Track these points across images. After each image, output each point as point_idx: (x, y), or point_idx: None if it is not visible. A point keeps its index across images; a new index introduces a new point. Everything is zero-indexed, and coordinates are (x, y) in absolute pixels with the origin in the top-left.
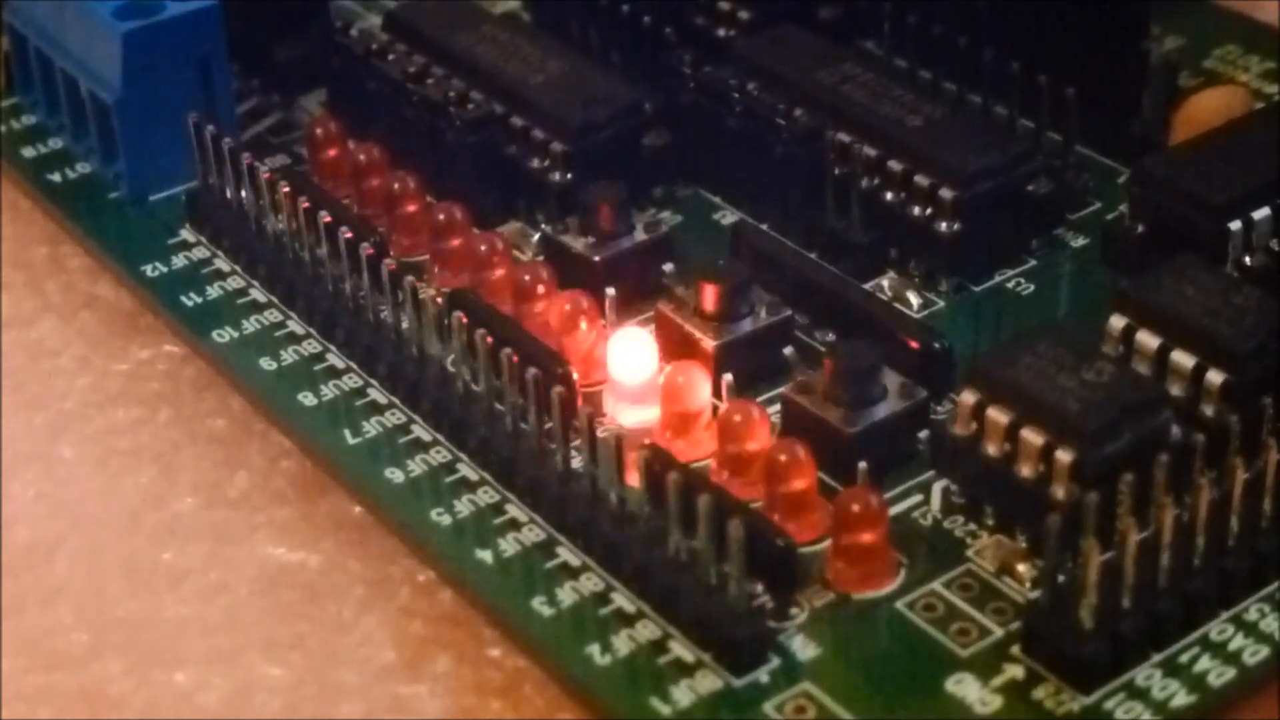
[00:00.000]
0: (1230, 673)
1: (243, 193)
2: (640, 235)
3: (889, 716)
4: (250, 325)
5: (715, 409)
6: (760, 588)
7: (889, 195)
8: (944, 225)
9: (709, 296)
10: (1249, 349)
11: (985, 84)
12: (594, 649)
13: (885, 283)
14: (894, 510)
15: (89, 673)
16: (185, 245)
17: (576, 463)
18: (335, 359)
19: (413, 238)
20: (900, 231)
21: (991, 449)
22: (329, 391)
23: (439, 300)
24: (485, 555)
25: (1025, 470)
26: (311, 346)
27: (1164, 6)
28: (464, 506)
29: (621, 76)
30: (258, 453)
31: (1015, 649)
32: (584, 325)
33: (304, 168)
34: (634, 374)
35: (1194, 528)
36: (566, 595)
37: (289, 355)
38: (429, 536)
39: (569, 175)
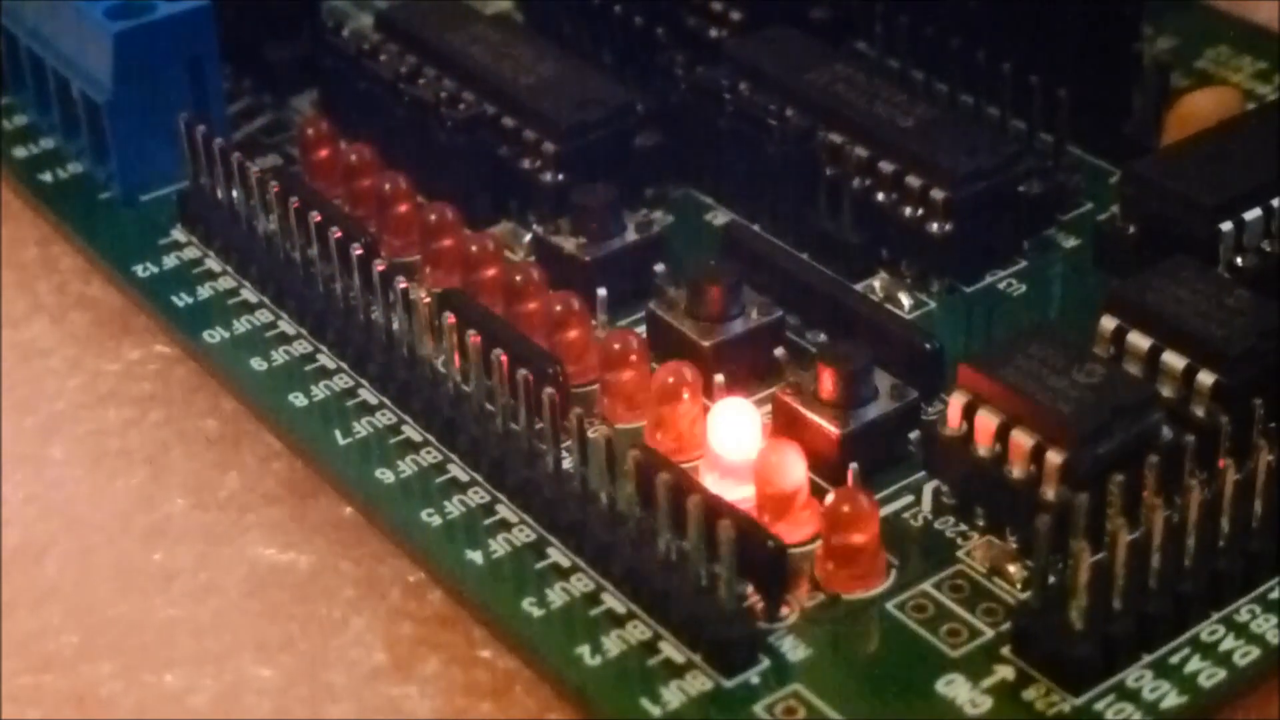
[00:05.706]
0: (1221, 674)
1: (234, 193)
2: (632, 236)
3: (879, 717)
4: (241, 326)
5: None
6: (750, 589)
7: (880, 196)
8: (935, 226)
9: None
10: (1240, 350)
11: (977, 85)
12: (584, 650)
13: (877, 283)
14: (885, 511)
15: (79, 674)
16: (176, 245)
17: (567, 463)
18: (326, 359)
19: (404, 238)
20: (892, 232)
21: (982, 450)
22: (320, 392)
23: (429, 301)
24: (476, 556)
25: (1016, 471)
26: (302, 347)
27: (1156, 7)
28: (454, 507)
29: (613, 77)
30: (248, 453)
31: (1006, 650)
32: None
33: (295, 168)
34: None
35: (1184, 529)
36: (557, 596)
37: (280, 356)
38: (419, 537)
39: (560, 176)
